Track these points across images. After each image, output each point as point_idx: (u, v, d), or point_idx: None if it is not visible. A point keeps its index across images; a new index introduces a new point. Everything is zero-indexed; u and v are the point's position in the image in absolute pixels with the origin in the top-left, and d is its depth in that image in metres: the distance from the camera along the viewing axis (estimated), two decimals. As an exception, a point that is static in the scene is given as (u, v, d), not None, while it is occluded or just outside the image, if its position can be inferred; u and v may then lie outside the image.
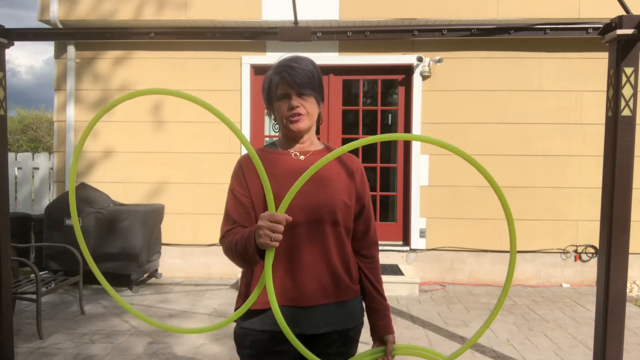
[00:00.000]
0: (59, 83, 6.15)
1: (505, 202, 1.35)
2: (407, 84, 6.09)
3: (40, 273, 4.45)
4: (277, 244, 1.34)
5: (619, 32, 2.95)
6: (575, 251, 5.89)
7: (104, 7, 5.86)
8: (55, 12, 5.82)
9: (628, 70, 2.98)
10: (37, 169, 6.86)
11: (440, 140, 1.33)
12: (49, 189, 6.77)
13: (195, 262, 6.10)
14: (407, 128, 6.09)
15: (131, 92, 1.38)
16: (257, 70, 6.11)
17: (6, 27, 3.26)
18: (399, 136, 1.39)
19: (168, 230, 6.02)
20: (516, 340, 4.03)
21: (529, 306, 5.03)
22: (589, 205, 5.73)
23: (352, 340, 1.66)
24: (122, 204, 5.87)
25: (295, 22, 3.76)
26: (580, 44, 5.73)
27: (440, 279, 5.97)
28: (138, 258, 5.34)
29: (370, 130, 6.46)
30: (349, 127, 6.37)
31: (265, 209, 1.43)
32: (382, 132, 6.27)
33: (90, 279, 5.22)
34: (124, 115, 6.05)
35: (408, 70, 6.03)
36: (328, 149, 1.68)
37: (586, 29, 3.23)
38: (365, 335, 1.69)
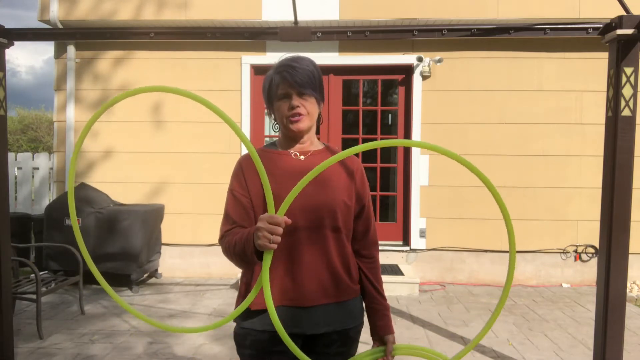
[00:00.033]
0: (59, 83, 6.15)
1: (505, 210, 1.36)
2: (407, 84, 6.09)
3: (40, 273, 4.45)
4: (275, 246, 1.34)
5: (619, 32, 2.95)
6: (575, 251, 5.89)
7: (104, 7, 5.86)
8: (55, 12, 5.82)
9: (628, 70, 2.98)
10: (37, 169, 6.86)
11: (441, 147, 1.35)
12: (49, 189, 6.77)
13: (195, 262, 6.10)
14: (407, 128, 6.08)
15: (131, 90, 1.39)
16: (257, 70, 6.11)
17: (6, 27, 3.26)
18: (399, 142, 1.39)
19: (168, 230, 6.02)
20: (516, 340, 4.03)
21: (529, 306, 5.03)
22: (589, 205, 5.73)
23: (352, 340, 1.66)
24: (122, 204, 5.87)
25: (295, 22, 3.76)
26: (580, 44, 5.73)
27: (440, 279, 5.97)
28: (138, 258, 5.34)
29: (370, 130, 6.46)
30: (349, 127, 6.37)
31: (265, 209, 1.43)
32: (382, 133, 6.27)
33: (90, 279, 5.22)
34: (124, 115, 6.06)
35: (408, 70, 6.03)
36: (328, 149, 1.68)
37: (586, 29, 3.23)
38: (365, 335, 1.69)
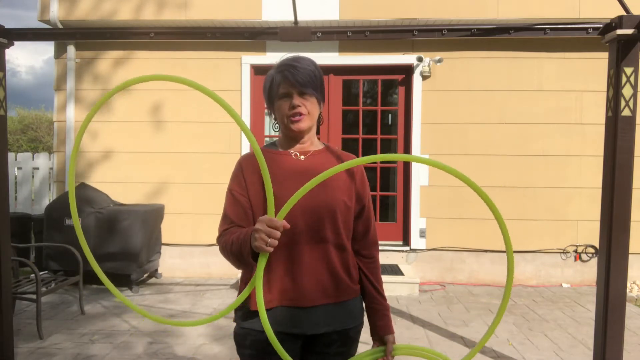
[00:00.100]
0: (59, 83, 6.15)
1: (503, 224, 1.37)
2: (407, 84, 6.09)
3: (40, 273, 4.45)
4: (271, 249, 1.35)
5: (619, 32, 2.95)
6: (575, 251, 5.89)
7: (104, 7, 5.86)
8: (55, 12, 5.82)
9: (628, 70, 2.98)
10: (37, 169, 6.86)
11: (442, 163, 1.35)
12: (49, 189, 6.77)
13: (195, 262, 6.10)
14: (407, 128, 6.09)
15: (129, 80, 1.39)
16: (257, 70, 6.11)
17: (6, 27, 3.26)
18: (402, 157, 1.41)
19: (168, 230, 6.02)
20: (516, 340, 4.03)
21: (529, 306, 5.03)
22: (589, 205, 5.73)
23: (352, 340, 1.66)
24: (122, 204, 5.87)
25: (295, 22, 3.76)
26: (580, 44, 5.74)
27: (440, 279, 5.97)
28: (138, 258, 5.34)
29: (370, 130, 6.46)
30: (349, 127, 6.37)
31: (264, 209, 1.43)
32: (382, 133, 6.27)
33: (90, 279, 5.23)
34: (123, 115, 6.06)
35: (408, 70, 6.03)
36: (328, 149, 1.68)
37: (586, 29, 3.23)
38: (365, 335, 1.69)
